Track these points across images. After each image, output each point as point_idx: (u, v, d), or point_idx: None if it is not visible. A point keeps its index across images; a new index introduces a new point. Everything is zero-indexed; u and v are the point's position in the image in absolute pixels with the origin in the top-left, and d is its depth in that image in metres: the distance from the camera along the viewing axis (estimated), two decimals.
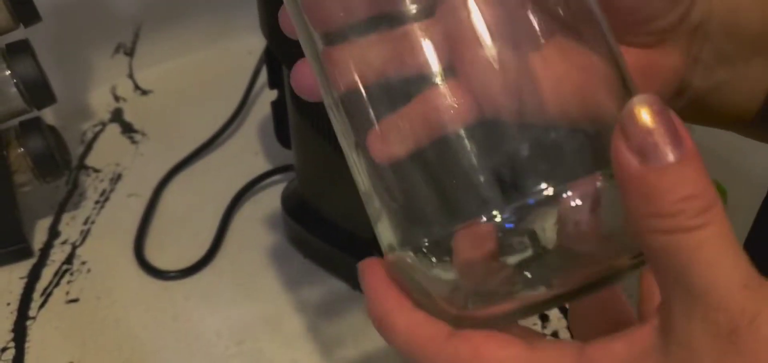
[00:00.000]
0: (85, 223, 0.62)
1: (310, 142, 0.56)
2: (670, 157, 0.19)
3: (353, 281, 0.56)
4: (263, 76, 0.73)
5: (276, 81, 0.60)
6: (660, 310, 0.21)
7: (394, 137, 0.23)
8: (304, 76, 0.28)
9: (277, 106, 0.62)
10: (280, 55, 0.55)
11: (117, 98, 0.78)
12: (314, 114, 0.53)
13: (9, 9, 0.52)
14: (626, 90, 0.24)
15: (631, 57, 0.27)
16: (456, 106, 0.22)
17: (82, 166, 0.68)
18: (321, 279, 0.57)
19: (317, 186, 0.58)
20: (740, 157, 0.66)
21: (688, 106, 0.32)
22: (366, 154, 0.24)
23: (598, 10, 0.25)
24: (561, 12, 0.24)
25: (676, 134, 0.20)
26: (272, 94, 0.62)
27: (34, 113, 0.57)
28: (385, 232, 0.24)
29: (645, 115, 0.20)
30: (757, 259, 0.26)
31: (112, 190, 0.66)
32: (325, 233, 0.57)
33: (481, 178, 0.22)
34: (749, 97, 0.33)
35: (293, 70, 0.28)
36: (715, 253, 0.20)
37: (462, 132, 0.22)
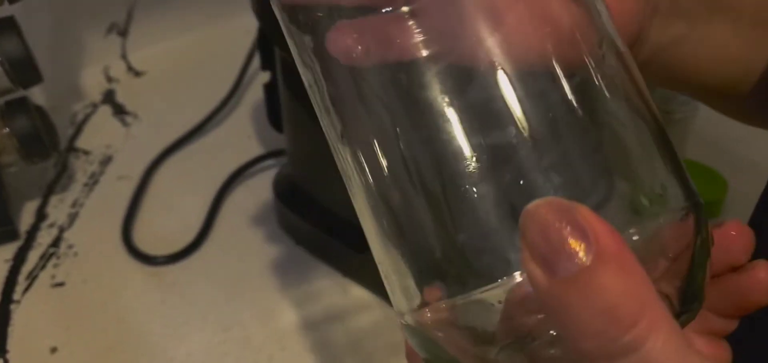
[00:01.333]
0: (73, 205, 0.61)
1: (302, 126, 0.55)
2: (581, 260, 0.16)
3: (344, 268, 0.55)
4: (258, 58, 0.72)
5: (269, 62, 0.59)
6: None
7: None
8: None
9: (270, 89, 0.61)
10: (272, 37, 0.54)
11: (109, 79, 0.77)
12: (307, 97, 0.52)
13: None
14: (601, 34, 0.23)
15: None
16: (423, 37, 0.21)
17: (71, 148, 0.67)
18: (312, 266, 0.56)
19: (309, 171, 0.57)
20: (742, 148, 0.65)
21: (650, 62, 0.31)
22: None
23: None
24: None
25: (584, 232, 0.16)
26: (265, 77, 0.61)
27: (21, 93, 0.56)
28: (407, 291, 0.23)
29: (545, 217, 0.16)
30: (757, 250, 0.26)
31: (101, 173, 0.65)
32: (316, 219, 0.56)
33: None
34: (712, 60, 0.33)
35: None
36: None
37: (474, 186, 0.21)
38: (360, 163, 0.24)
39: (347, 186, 0.25)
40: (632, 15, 0.29)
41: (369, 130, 0.23)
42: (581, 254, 0.16)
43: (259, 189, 0.63)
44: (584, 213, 0.16)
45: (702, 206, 0.22)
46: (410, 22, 0.22)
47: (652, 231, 0.21)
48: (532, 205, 0.17)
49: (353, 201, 0.25)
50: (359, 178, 0.24)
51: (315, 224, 0.56)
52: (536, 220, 0.17)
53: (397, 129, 0.23)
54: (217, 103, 0.72)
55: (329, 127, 0.25)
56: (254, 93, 0.75)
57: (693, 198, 0.22)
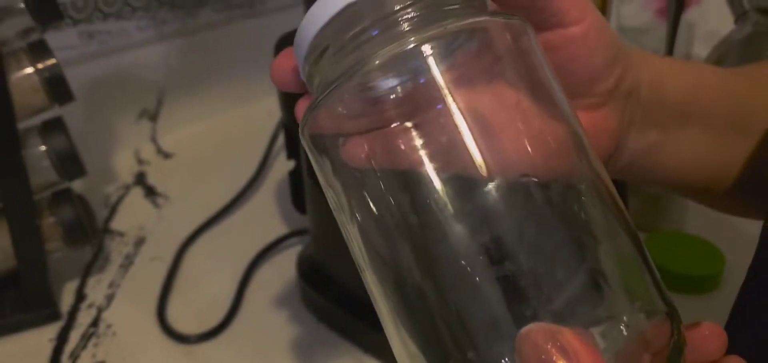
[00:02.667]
0: (110, 286, 0.65)
1: (324, 212, 0.59)
2: None
3: (364, 345, 0.59)
4: (281, 138, 0.77)
5: (293, 152, 0.64)
6: None
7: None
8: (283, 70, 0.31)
9: (294, 175, 0.65)
10: (296, 131, 0.58)
11: (140, 161, 0.82)
12: None
13: (46, 91, 0.56)
14: (582, 149, 0.27)
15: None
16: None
17: (107, 230, 0.72)
18: (334, 343, 0.59)
19: (331, 253, 0.61)
20: (740, 222, 0.68)
21: (630, 167, 0.35)
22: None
23: (555, 82, 0.28)
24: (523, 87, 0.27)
25: (567, 353, 0.20)
26: (290, 164, 0.65)
27: (65, 184, 0.61)
28: None
29: (536, 341, 0.20)
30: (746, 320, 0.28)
31: (135, 254, 0.69)
32: (337, 298, 0.60)
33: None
34: (686, 162, 0.37)
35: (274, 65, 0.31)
36: None
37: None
38: (379, 279, 0.28)
39: (369, 293, 0.29)
40: (613, 132, 0.33)
41: (385, 251, 0.27)
42: None
43: (284, 267, 0.67)
44: (567, 336, 0.21)
45: (676, 311, 0.26)
46: (414, 134, 0.26)
47: (638, 332, 0.24)
48: (525, 330, 0.21)
49: (375, 307, 0.29)
50: (379, 291, 0.28)
51: (336, 303, 0.60)
52: (529, 342, 0.21)
53: (411, 252, 0.26)
54: (243, 183, 0.77)
55: (349, 240, 0.29)
56: (278, 172, 0.79)
57: (670, 304, 0.26)
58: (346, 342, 0.59)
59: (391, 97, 0.26)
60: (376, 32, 0.26)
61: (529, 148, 0.25)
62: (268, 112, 0.86)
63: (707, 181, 0.38)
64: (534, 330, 0.21)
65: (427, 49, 0.25)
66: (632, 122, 0.34)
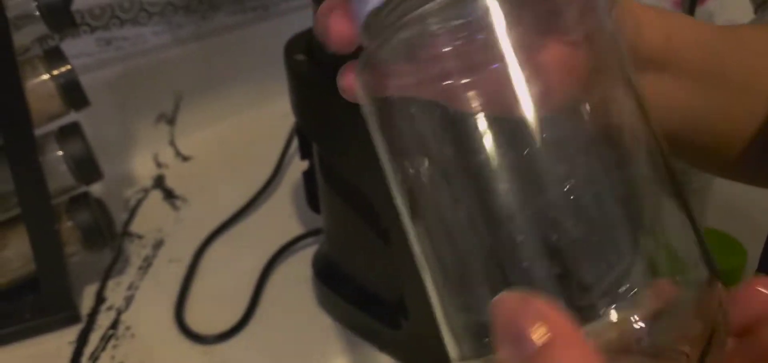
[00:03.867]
0: (129, 288, 0.66)
1: (337, 210, 0.59)
2: (540, 339, 0.19)
3: (380, 343, 0.59)
4: (296, 140, 0.77)
5: (307, 153, 0.64)
6: None
7: None
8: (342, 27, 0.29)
9: (308, 176, 0.65)
10: (308, 133, 0.59)
11: (159, 165, 0.83)
12: (341, 184, 0.56)
13: (62, 97, 0.57)
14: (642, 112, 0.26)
15: (560, 53, 0.28)
16: None
17: (126, 233, 0.72)
18: (349, 341, 0.59)
19: (345, 251, 0.61)
20: (761, 214, 0.67)
21: None
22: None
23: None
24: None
25: (541, 317, 0.20)
26: (304, 164, 0.66)
27: (83, 188, 0.61)
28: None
29: (510, 307, 0.20)
30: None
31: (154, 256, 0.69)
32: (352, 296, 0.60)
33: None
34: (661, 108, 0.35)
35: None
36: None
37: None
38: (428, 241, 0.27)
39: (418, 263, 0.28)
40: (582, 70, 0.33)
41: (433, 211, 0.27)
42: (537, 335, 0.19)
43: (300, 266, 0.67)
44: (539, 303, 0.20)
45: (719, 273, 0.25)
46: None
47: (684, 297, 0.24)
48: (498, 298, 0.21)
49: (421, 270, 0.28)
50: (425, 253, 0.27)
51: (351, 301, 0.60)
52: (503, 309, 0.21)
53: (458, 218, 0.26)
54: (259, 184, 0.77)
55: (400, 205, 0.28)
56: (294, 173, 0.80)
57: (714, 267, 0.25)
58: (361, 340, 0.59)
59: (450, 41, 0.25)
60: None
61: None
62: (283, 113, 0.86)
63: (689, 133, 0.37)
64: (507, 297, 0.21)
65: None
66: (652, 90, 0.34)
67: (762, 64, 0.37)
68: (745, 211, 0.67)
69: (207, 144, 0.85)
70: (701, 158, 0.41)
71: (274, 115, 0.87)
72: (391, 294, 0.57)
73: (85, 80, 0.60)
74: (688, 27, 0.36)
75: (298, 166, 0.73)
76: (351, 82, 0.29)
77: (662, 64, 0.35)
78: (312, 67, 0.53)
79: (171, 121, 0.85)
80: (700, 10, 0.81)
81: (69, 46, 0.72)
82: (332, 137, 0.53)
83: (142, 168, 0.82)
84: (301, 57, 0.54)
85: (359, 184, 0.53)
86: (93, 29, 0.78)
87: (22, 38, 0.56)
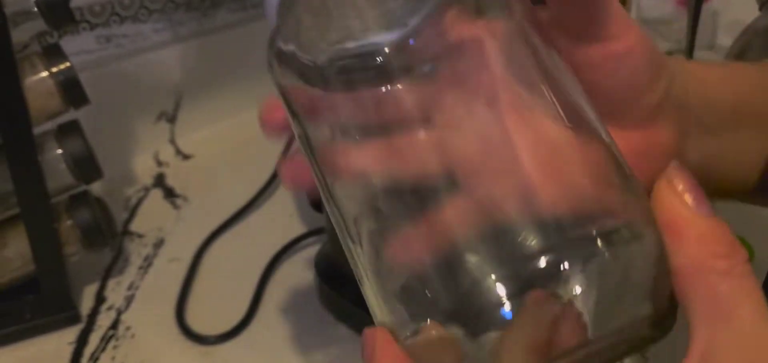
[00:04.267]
0: (129, 288, 0.65)
1: None
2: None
3: None
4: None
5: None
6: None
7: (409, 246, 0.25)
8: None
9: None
10: None
11: (159, 163, 0.82)
12: None
13: (61, 95, 0.56)
14: (623, 174, 0.25)
15: (627, 140, 0.28)
16: (460, 220, 0.24)
17: (126, 232, 0.72)
18: (352, 342, 0.59)
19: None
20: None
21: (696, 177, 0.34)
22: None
23: (587, 103, 0.27)
24: (556, 107, 0.25)
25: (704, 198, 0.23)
26: None
27: (83, 187, 0.61)
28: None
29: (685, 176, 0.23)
30: None
31: (154, 255, 0.69)
32: (355, 296, 0.59)
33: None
34: (744, 167, 0.35)
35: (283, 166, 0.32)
36: (757, 296, 0.22)
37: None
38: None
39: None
40: (670, 147, 0.31)
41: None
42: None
43: (302, 266, 0.66)
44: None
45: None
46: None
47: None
48: (675, 162, 0.24)
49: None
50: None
51: (354, 301, 0.59)
52: (681, 172, 0.24)
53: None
54: (261, 183, 0.77)
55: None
56: None
57: None
58: None
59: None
60: None
61: None
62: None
63: (762, 180, 0.36)
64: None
65: None
66: (687, 134, 0.32)
67: None
68: (752, 211, 0.67)
69: (208, 142, 0.85)
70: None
71: None
72: None
73: (85, 78, 0.59)
74: (750, 73, 0.35)
75: None
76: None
77: (739, 119, 0.34)
78: None
79: (171, 119, 0.85)
80: (705, 7, 0.80)
81: (68, 43, 0.71)
82: None
83: (143, 167, 0.81)
84: None
85: None
86: (93, 26, 0.77)
87: (20, 35, 0.55)
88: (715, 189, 0.35)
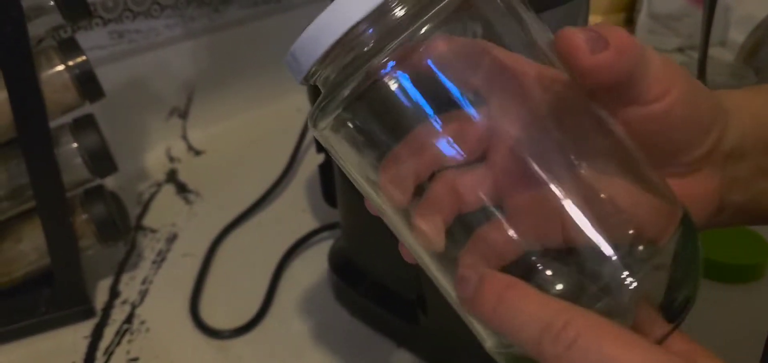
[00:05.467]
0: (143, 282, 0.65)
1: (355, 205, 0.58)
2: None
3: (398, 338, 0.58)
4: (310, 134, 0.76)
5: (323, 146, 0.63)
6: None
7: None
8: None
9: (324, 169, 0.65)
10: None
11: (172, 159, 0.82)
12: None
13: (77, 88, 0.56)
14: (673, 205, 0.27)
15: (671, 184, 0.28)
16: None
17: (139, 227, 0.72)
18: (366, 336, 0.59)
19: (362, 246, 0.60)
20: None
21: (731, 216, 0.32)
22: None
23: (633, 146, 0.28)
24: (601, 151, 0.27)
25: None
26: (319, 157, 0.65)
27: (97, 181, 0.61)
28: None
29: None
30: None
31: (168, 250, 0.69)
32: (370, 292, 0.59)
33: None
34: None
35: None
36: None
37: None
38: None
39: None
40: (713, 194, 0.31)
41: None
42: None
43: (316, 261, 0.66)
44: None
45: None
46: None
47: None
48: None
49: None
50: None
51: (368, 296, 0.59)
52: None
53: None
54: (273, 178, 0.77)
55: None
56: (308, 167, 0.79)
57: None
58: (379, 335, 0.59)
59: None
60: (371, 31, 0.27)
61: None
62: (297, 107, 0.86)
63: None
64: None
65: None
66: (736, 179, 0.31)
67: None
68: None
69: (220, 138, 0.85)
70: None
71: (287, 108, 0.86)
72: (409, 289, 0.56)
73: (98, 73, 0.59)
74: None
75: (313, 160, 0.72)
76: None
77: (761, 149, 0.32)
78: None
79: (183, 115, 0.85)
80: (718, 2, 0.80)
81: (81, 38, 0.71)
82: None
83: (155, 162, 0.81)
84: None
85: None
86: (106, 22, 0.77)
87: (36, 28, 0.55)
88: (759, 219, 0.34)
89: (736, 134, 0.30)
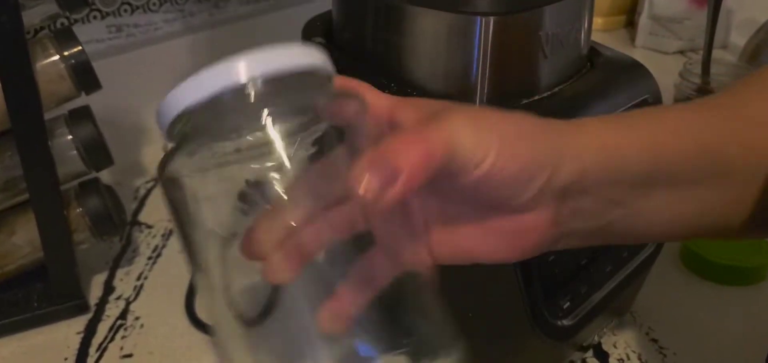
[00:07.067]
0: (139, 278, 0.64)
1: None
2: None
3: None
4: None
5: (317, 141, 0.62)
6: None
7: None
8: None
9: None
10: None
11: None
12: None
13: (72, 79, 0.55)
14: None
15: (500, 223, 0.31)
16: None
17: (135, 222, 0.71)
18: None
19: None
20: None
21: (582, 240, 0.33)
22: None
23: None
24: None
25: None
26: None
27: (93, 174, 0.60)
28: None
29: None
30: None
31: (163, 246, 0.68)
32: None
33: None
34: (657, 223, 0.33)
35: None
36: None
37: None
38: None
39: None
40: (547, 227, 0.31)
41: None
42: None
43: None
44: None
45: None
46: None
47: None
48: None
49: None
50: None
51: None
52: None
53: None
54: None
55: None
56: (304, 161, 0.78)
57: None
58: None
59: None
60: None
61: None
62: None
63: (691, 232, 0.34)
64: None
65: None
66: (579, 211, 0.31)
67: (761, 136, 0.33)
68: None
69: None
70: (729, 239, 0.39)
71: None
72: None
73: (95, 66, 0.58)
74: (674, 126, 0.32)
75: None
76: None
77: (651, 185, 0.32)
78: (330, 50, 0.52)
79: None
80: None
81: (79, 31, 0.70)
82: None
83: (152, 158, 0.81)
84: (319, 40, 0.52)
85: None
86: (104, 15, 0.76)
87: (31, 17, 0.54)
88: (638, 239, 0.35)
89: (572, 170, 0.30)
